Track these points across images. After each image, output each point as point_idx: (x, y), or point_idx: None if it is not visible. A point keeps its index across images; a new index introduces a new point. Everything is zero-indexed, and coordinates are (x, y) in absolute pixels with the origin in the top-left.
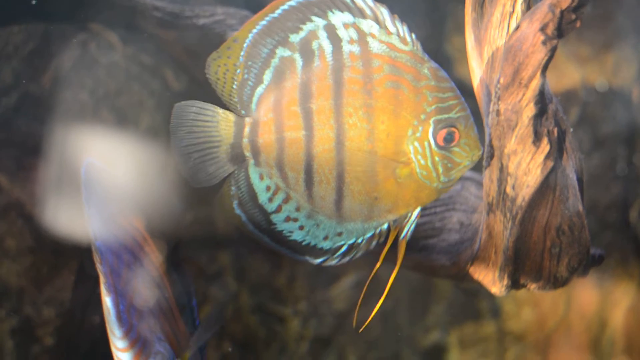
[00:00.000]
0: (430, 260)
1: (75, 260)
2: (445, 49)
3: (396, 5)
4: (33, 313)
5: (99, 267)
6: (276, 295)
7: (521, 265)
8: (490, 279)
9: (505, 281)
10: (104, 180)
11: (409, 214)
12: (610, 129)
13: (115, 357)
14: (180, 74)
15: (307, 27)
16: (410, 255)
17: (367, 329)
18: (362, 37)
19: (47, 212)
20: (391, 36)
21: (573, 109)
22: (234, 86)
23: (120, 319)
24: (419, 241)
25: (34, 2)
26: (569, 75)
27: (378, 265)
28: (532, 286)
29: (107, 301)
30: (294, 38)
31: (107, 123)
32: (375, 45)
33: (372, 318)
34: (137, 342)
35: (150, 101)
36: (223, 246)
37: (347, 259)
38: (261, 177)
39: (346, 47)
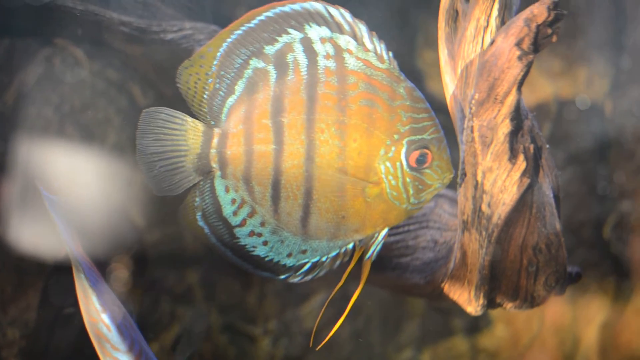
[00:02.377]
0: (404, 279)
1: (40, 280)
2: (416, 63)
3: (367, 20)
4: None
5: (86, 283)
6: (246, 315)
7: (497, 284)
8: (466, 298)
9: (481, 300)
10: (55, 208)
11: (376, 234)
12: (583, 144)
13: None
14: (147, 89)
15: (283, 39)
16: (384, 274)
17: (339, 348)
18: (338, 53)
19: (11, 231)
20: (368, 53)
21: (545, 123)
22: (205, 96)
23: (122, 333)
24: (392, 260)
25: None
26: (541, 89)
27: (340, 284)
28: (509, 305)
29: (105, 318)
30: (269, 50)
31: (72, 139)
32: (351, 62)
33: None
34: (142, 355)
35: (116, 118)
36: (192, 265)
37: (310, 277)
38: (227, 190)
39: (322, 62)
